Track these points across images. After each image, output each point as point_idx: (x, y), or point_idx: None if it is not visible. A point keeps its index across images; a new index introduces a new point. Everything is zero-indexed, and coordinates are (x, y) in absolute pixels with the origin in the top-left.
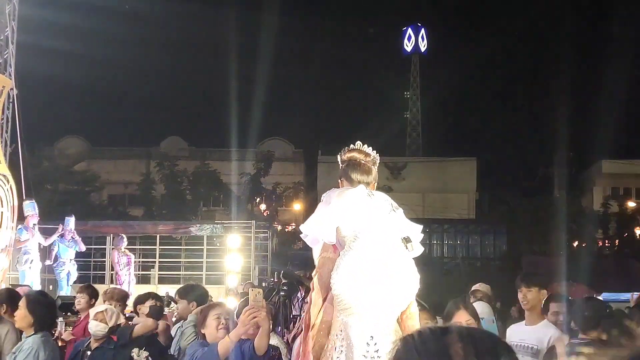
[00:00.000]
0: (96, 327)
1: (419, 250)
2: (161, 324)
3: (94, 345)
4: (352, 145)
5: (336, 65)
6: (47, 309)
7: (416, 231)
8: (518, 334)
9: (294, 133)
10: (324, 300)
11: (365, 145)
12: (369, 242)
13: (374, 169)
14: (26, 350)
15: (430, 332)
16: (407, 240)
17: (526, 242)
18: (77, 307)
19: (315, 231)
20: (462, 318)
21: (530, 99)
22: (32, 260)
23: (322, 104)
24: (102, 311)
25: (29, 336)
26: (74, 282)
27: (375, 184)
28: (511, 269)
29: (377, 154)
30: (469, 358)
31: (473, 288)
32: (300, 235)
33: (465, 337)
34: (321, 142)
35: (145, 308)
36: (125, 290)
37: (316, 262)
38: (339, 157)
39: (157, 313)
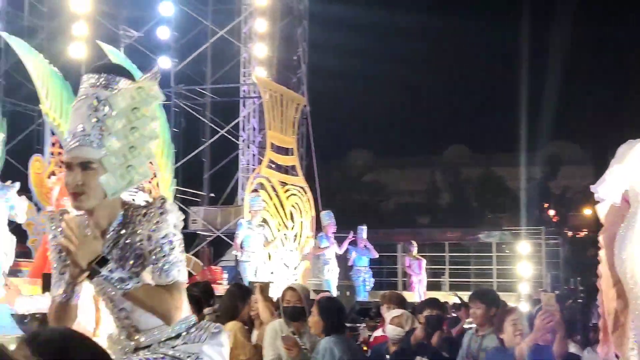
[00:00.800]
0: (393, 331)
1: None
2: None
3: (392, 348)
4: None
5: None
6: (336, 314)
7: None
8: None
9: (582, 134)
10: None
11: None
12: None
13: None
14: (321, 351)
15: None
16: None
17: None
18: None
19: (602, 190)
20: None
21: None
22: (332, 269)
23: (612, 100)
24: (399, 315)
25: (322, 339)
26: (371, 289)
27: None
28: None
29: None
30: None
31: None
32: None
33: None
34: (611, 142)
35: (422, 318)
36: (400, 293)
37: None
38: None
39: (434, 323)
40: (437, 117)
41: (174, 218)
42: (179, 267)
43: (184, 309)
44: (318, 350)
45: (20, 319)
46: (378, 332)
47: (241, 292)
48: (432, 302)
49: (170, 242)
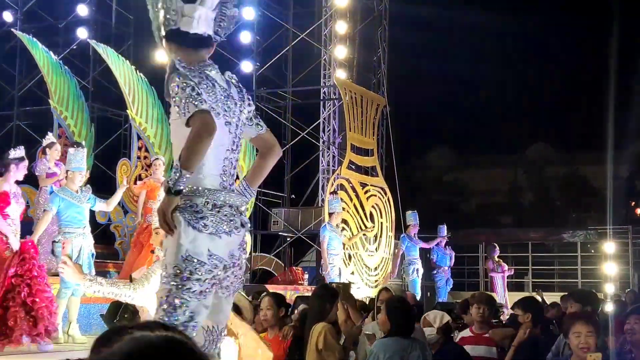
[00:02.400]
0: (428, 332)
1: None
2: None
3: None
4: None
5: None
6: (403, 315)
7: None
8: None
9: None
10: None
11: None
12: None
13: None
14: (369, 354)
15: None
16: None
17: None
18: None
19: None
20: None
21: None
22: (417, 270)
23: None
24: (427, 315)
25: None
26: (451, 289)
27: None
28: None
29: None
30: None
31: None
32: None
33: None
34: None
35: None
36: (490, 294)
37: None
38: None
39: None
40: (519, 115)
41: None
42: None
43: None
44: (371, 351)
45: (109, 319)
46: (465, 333)
47: (329, 293)
48: (528, 302)
49: None
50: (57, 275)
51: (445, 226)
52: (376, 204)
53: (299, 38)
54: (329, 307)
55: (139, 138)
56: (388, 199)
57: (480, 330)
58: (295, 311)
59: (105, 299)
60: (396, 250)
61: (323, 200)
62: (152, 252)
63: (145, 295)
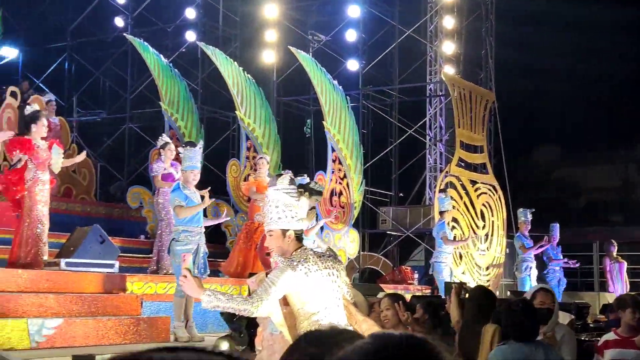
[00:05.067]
0: None
1: None
2: None
3: None
4: None
5: None
6: (527, 317)
7: None
8: None
9: None
10: None
11: None
12: None
13: None
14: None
15: None
16: None
17: None
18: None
19: None
20: None
21: None
22: (530, 268)
23: None
24: None
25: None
26: (565, 289)
27: None
28: None
29: None
30: None
31: None
32: None
33: None
34: None
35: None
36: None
37: None
38: None
39: None
40: (631, 110)
41: None
42: None
43: None
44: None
45: (229, 317)
46: (610, 336)
47: (484, 294)
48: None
49: None
50: (171, 274)
51: (558, 224)
52: (487, 202)
53: (405, 35)
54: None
55: (247, 138)
56: (499, 197)
57: (629, 334)
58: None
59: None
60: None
61: (431, 199)
62: (268, 254)
63: (265, 310)
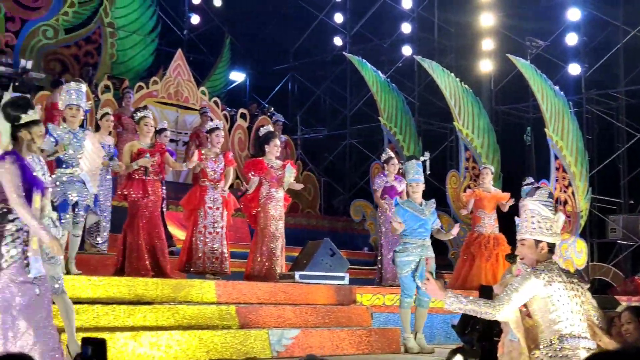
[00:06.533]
0: None
1: None
2: None
3: None
4: None
5: None
6: None
7: None
8: None
9: None
10: None
11: None
12: None
13: None
14: None
15: None
16: None
17: None
18: None
19: None
20: None
21: None
22: None
23: None
24: None
25: None
26: None
27: None
28: None
29: None
30: None
31: None
32: None
33: None
34: None
35: None
36: None
37: None
38: None
39: None
40: None
41: None
42: None
43: None
44: None
45: (461, 330)
46: None
47: None
48: None
49: None
50: (397, 285)
51: None
52: None
53: (629, 35)
54: None
55: (466, 149)
56: None
57: None
58: None
59: (449, 310)
60: None
61: None
62: (510, 258)
63: (506, 314)
